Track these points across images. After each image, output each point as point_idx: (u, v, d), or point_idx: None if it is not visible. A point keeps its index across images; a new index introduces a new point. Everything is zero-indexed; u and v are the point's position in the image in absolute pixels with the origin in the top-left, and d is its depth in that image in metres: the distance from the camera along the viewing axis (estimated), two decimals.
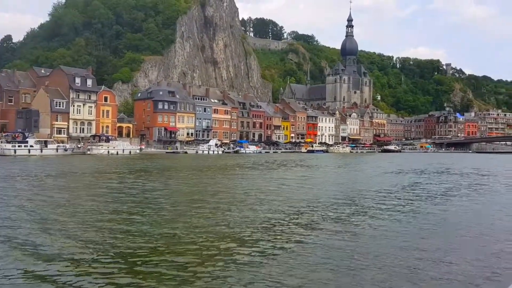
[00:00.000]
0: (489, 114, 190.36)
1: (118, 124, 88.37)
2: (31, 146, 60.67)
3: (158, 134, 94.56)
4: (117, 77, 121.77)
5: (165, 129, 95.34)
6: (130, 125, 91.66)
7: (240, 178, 33.30)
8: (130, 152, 72.07)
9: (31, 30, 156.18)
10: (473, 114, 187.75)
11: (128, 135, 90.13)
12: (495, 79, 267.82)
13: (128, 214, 15.73)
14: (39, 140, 63.05)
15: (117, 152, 69.34)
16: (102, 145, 69.40)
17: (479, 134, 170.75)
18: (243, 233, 13.05)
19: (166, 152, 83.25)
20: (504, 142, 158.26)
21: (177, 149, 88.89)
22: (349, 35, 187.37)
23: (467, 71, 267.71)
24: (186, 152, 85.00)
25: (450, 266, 10.19)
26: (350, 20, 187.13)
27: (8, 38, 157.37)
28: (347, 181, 33.11)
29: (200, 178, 32.52)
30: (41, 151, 61.12)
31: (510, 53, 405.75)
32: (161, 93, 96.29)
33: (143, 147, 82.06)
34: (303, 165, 53.33)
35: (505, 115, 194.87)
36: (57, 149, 63.54)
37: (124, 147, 72.44)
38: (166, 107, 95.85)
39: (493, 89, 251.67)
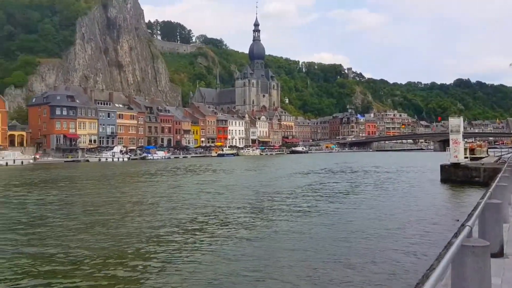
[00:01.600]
0: (386, 114, 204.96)
1: (10, 132, 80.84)
2: None
3: (57, 142, 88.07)
4: (9, 82, 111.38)
5: (65, 136, 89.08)
6: (24, 133, 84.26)
7: (141, 186, 31.57)
8: (22, 163, 65.86)
9: None
10: (372, 115, 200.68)
11: (21, 144, 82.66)
12: (391, 82, 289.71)
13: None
14: None
15: (7, 163, 62.99)
16: None
17: (378, 134, 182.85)
18: (136, 245, 11.92)
19: (65, 161, 77.58)
20: (400, 140, 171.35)
21: (78, 157, 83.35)
22: (256, 40, 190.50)
23: (366, 75, 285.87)
24: (87, 160, 80.00)
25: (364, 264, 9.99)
26: (256, 25, 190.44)
27: None
28: (254, 184, 32.79)
29: (97, 188, 30.27)
30: None
31: (403, 57, 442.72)
32: (58, 97, 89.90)
33: (37, 156, 75.43)
34: (211, 169, 52.48)
35: (400, 115, 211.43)
36: None
37: (15, 157, 65.97)
38: (64, 112, 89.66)
39: (390, 92, 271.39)
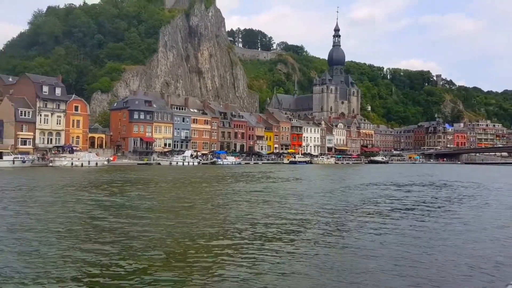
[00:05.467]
0: (478, 124, 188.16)
1: (90, 135, 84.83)
2: None
3: (134, 144, 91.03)
4: (96, 87, 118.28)
5: (141, 139, 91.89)
6: (103, 136, 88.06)
7: (190, 192, 30.00)
8: (96, 164, 68.32)
9: (12, 39, 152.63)
10: (462, 125, 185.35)
11: (101, 146, 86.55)
12: (485, 90, 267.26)
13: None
14: None
15: (82, 164, 65.68)
16: (65, 157, 65.69)
17: (468, 145, 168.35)
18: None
19: (138, 164, 79.59)
20: (494, 153, 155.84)
21: (153, 160, 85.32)
22: (336, 45, 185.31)
23: (458, 83, 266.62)
24: (159, 164, 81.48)
25: None
26: (337, 30, 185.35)
27: None
28: (314, 194, 29.69)
29: (141, 192, 29.18)
30: None
31: (500, 64, 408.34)
32: (137, 102, 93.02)
33: (111, 158, 78.07)
34: (276, 177, 49.92)
35: (494, 126, 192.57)
36: (13, 161, 59.67)
37: (90, 158, 68.65)
38: (142, 116, 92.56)
39: (483, 100, 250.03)
